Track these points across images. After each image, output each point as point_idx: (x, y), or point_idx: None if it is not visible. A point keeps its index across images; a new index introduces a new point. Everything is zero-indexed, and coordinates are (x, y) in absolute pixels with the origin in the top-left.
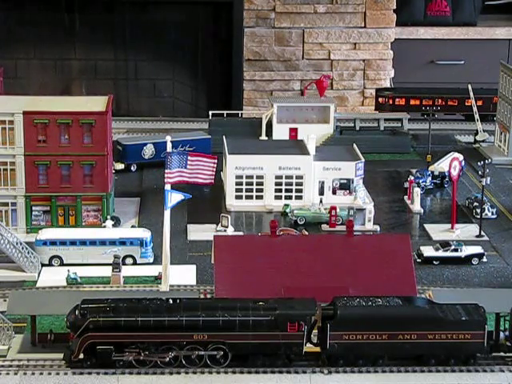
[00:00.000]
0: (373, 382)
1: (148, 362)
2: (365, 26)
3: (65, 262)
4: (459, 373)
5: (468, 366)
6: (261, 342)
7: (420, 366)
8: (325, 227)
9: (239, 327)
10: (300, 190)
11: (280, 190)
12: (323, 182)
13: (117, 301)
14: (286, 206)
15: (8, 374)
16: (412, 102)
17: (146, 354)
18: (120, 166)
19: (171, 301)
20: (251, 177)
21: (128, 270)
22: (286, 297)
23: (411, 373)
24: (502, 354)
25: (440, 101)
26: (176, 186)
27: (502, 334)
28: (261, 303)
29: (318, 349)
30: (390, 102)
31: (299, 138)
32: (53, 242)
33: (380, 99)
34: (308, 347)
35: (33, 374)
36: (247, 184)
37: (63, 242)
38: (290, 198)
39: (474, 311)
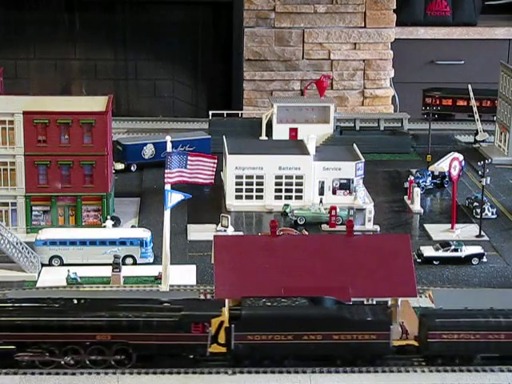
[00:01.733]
0: (373, 381)
1: (51, 362)
2: (365, 26)
3: (65, 261)
4: (459, 373)
5: (374, 366)
6: (165, 343)
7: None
8: (325, 227)
9: (143, 328)
10: (300, 190)
11: (280, 190)
12: (323, 182)
13: (20, 301)
14: (286, 206)
15: (8, 374)
16: (459, 103)
17: (47, 355)
18: (120, 166)
19: (75, 301)
20: (251, 177)
21: (128, 270)
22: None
23: (411, 373)
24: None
25: (489, 102)
26: (176, 186)
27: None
28: (166, 304)
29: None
30: (437, 102)
31: (299, 137)
32: (53, 242)
33: (427, 99)
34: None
35: (33, 374)
36: (247, 184)
37: (63, 242)
38: (290, 198)
39: (381, 312)
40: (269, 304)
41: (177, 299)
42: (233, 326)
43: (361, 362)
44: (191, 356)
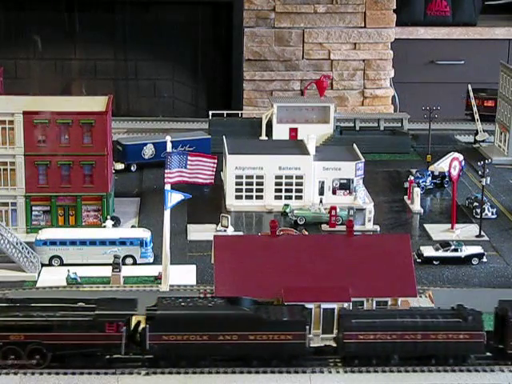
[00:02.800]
0: (372, 381)
1: None
2: (365, 26)
3: (65, 262)
4: (459, 373)
5: (291, 366)
6: (80, 342)
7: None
8: (325, 227)
9: (57, 328)
10: (300, 190)
11: (280, 190)
12: (323, 182)
13: None
14: (286, 206)
15: (8, 374)
16: None
17: None
18: (120, 166)
19: None
20: (251, 177)
21: (128, 270)
22: (281, 297)
23: (411, 373)
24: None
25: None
26: (176, 186)
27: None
28: (80, 303)
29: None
30: (480, 103)
31: (299, 137)
32: (53, 242)
33: (472, 100)
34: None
35: (33, 374)
36: (247, 184)
37: (63, 242)
38: (290, 198)
39: (298, 312)
40: (184, 304)
41: (92, 298)
42: (147, 326)
43: (276, 363)
44: (106, 356)
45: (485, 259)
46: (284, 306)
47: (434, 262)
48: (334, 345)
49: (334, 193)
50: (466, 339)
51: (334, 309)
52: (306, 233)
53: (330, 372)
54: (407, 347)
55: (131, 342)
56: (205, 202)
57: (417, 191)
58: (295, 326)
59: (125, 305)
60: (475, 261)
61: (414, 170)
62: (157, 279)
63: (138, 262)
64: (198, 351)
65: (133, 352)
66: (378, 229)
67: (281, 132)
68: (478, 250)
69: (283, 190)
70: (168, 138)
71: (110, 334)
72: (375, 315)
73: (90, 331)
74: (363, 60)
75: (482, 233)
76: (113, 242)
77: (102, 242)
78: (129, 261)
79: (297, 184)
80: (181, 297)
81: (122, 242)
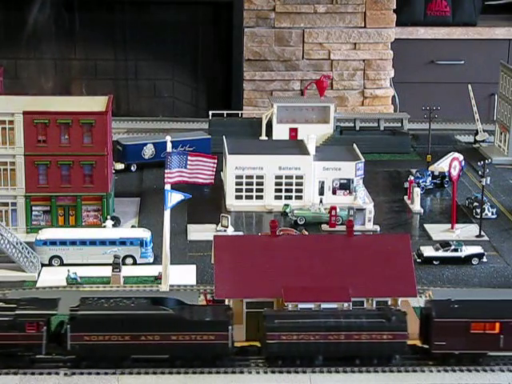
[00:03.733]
0: (373, 381)
1: None
2: (365, 26)
3: (65, 262)
4: (459, 372)
5: (215, 367)
6: (0, 342)
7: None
8: (325, 227)
9: None
10: (300, 190)
11: (280, 190)
12: (323, 182)
13: None
14: (286, 206)
15: (8, 374)
16: None
17: None
18: (120, 166)
19: None
20: (251, 177)
21: (128, 270)
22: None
23: (411, 372)
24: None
25: None
26: (176, 186)
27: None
28: (0, 303)
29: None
30: None
31: (299, 137)
32: (53, 242)
33: None
34: None
35: (32, 374)
36: (247, 184)
37: (63, 242)
38: (290, 198)
39: (222, 312)
40: (106, 305)
41: (13, 299)
42: (68, 326)
43: (200, 363)
44: (28, 356)
45: (485, 259)
46: (209, 306)
47: (434, 262)
48: (258, 345)
49: (334, 193)
50: (390, 339)
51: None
52: (306, 233)
53: (330, 372)
54: (331, 348)
55: (53, 342)
56: (205, 202)
57: (417, 191)
58: (218, 326)
59: (46, 305)
60: (475, 261)
61: (414, 170)
62: (157, 279)
63: (138, 261)
64: (119, 351)
65: (55, 352)
66: (378, 229)
67: (281, 132)
68: (477, 249)
69: (283, 190)
70: (168, 138)
71: (31, 333)
72: (299, 316)
73: (11, 331)
74: (363, 60)
75: (482, 233)
76: (113, 242)
77: (102, 242)
78: (129, 261)
79: (297, 184)
80: (104, 297)
81: (122, 242)
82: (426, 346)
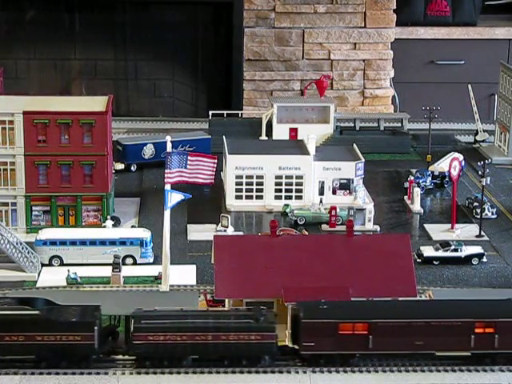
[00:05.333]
0: (373, 381)
1: None
2: (365, 26)
3: (65, 262)
4: (459, 372)
5: (80, 368)
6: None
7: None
8: (325, 227)
9: None
10: (300, 190)
11: (280, 190)
12: (323, 182)
13: None
14: (286, 206)
15: (8, 374)
16: None
17: None
18: (120, 166)
19: None
20: (251, 177)
21: (128, 270)
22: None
23: (411, 372)
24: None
25: None
26: (176, 186)
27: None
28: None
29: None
30: None
31: (299, 137)
32: (53, 242)
33: None
34: None
35: (32, 374)
36: (247, 184)
37: (63, 242)
38: (290, 198)
39: (89, 313)
40: None
41: None
42: None
43: (66, 364)
44: None
45: (485, 259)
46: (76, 306)
47: (434, 262)
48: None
49: (334, 193)
50: (258, 340)
51: None
52: (306, 233)
53: (330, 372)
54: (199, 348)
55: None
56: (205, 202)
57: (417, 191)
58: (84, 327)
59: None
60: (475, 261)
61: (414, 170)
62: (157, 279)
63: (138, 262)
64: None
65: None
66: (378, 229)
67: (281, 132)
68: (477, 249)
69: (283, 190)
70: (168, 138)
71: None
72: (166, 316)
73: None
74: (363, 60)
75: (482, 233)
76: (113, 242)
77: (102, 242)
78: (129, 261)
79: (297, 184)
80: None
81: (122, 242)
82: (297, 347)
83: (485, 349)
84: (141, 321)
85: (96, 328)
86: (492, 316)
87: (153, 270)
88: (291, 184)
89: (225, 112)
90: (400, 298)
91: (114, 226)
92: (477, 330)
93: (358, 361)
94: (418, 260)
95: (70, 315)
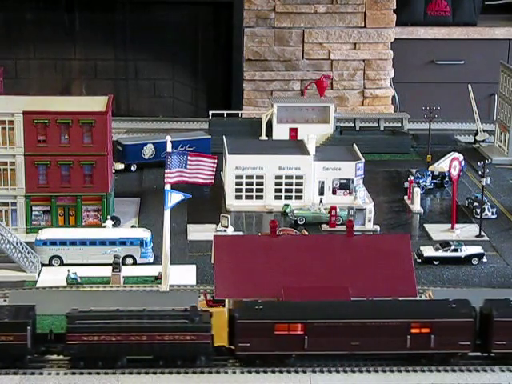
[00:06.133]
0: (373, 381)
1: None
2: (365, 26)
3: (65, 262)
4: (459, 372)
5: (15, 368)
6: None
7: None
8: (325, 227)
9: None
10: (300, 190)
11: (280, 190)
12: (323, 182)
13: None
14: (286, 206)
15: (8, 373)
16: None
17: None
18: (120, 166)
19: None
20: (251, 177)
21: (128, 270)
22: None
23: (411, 372)
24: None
25: None
26: (176, 186)
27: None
28: None
29: None
30: None
31: (299, 137)
32: (53, 242)
33: None
34: None
35: (32, 374)
36: (247, 184)
37: (63, 242)
38: (290, 198)
39: (23, 313)
40: None
41: None
42: None
43: (1, 365)
44: None
45: (485, 259)
46: (13, 307)
47: (434, 262)
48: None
49: (334, 193)
50: (193, 340)
51: None
52: (306, 233)
53: (330, 372)
54: (134, 348)
55: None
56: (205, 202)
57: (417, 191)
58: (16, 327)
59: None
60: (475, 261)
61: (414, 170)
62: (157, 279)
63: (138, 262)
64: None
65: None
66: (378, 229)
67: (281, 132)
68: (477, 249)
69: (283, 190)
70: (168, 138)
71: None
72: (101, 317)
73: None
74: (363, 60)
75: (482, 233)
76: (113, 242)
77: (102, 242)
78: (129, 261)
79: (297, 184)
80: None
81: (122, 242)
82: (233, 347)
83: (421, 349)
84: (75, 321)
85: (29, 328)
86: (428, 316)
87: (153, 270)
88: (291, 184)
89: (225, 112)
90: (336, 299)
91: (114, 225)
92: (413, 331)
93: (294, 361)
94: (418, 260)
95: (3, 315)
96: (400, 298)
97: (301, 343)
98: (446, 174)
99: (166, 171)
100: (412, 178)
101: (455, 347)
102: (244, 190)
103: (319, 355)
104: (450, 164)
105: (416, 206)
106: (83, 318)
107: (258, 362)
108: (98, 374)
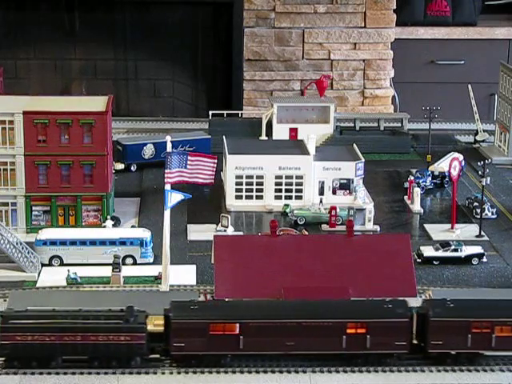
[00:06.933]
0: (373, 381)
1: None
2: (365, 26)
3: (65, 262)
4: (459, 372)
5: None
6: None
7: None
8: (325, 227)
9: None
10: (300, 190)
11: (280, 190)
12: (323, 182)
13: None
14: (286, 206)
15: (8, 373)
16: None
17: None
18: (120, 166)
19: None
20: (251, 177)
21: (128, 270)
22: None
23: (411, 372)
24: None
25: None
26: (176, 186)
27: None
28: None
29: None
30: None
31: (299, 138)
32: (53, 242)
33: None
34: None
35: (32, 374)
36: (247, 184)
37: (63, 242)
38: (290, 198)
39: None
40: None
41: None
42: None
43: None
44: None
45: (485, 259)
46: None
47: (434, 262)
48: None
49: (334, 193)
50: (128, 341)
51: None
52: (306, 233)
53: (330, 372)
54: (68, 349)
55: None
56: (205, 202)
57: (417, 191)
58: None
59: None
60: (475, 261)
61: (414, 170)
62: (157, 279)
63: (138, 262)
64: None
65: None
66: (378, 229)
67: (281, 132)
68: (478, 249)
69: (283, 190)
70: (168, 138)
71: None
72: (35, 316)
73: None
74: (363, 60)
75: (482, 233)
76: (113, 242)
77: (102, 242)
78: (129, 261)
79: (297, 184)
80: None
81: (122, 242)
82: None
83: (357, 349)
84: (8, 321)
85: None
86: (363, 316)
87: (153, 270)
88: (291, 184)
89: (225, 112)
90: (271, 299)
91: (114, 226)
92: (348, 331)
93: (229, 361)
94: (418, 260)
95: None
96: (335, 299)
97: (236, 343)
98: (446, 173)
99: (166, 171)
100: (412, 177)
101: (391, 347)
102: (244, 190)
103: (255, 355)
104: (450, 164)
105: (416, 206)
106: (17, 317)
107: (193, 362)
108: (97, 373)
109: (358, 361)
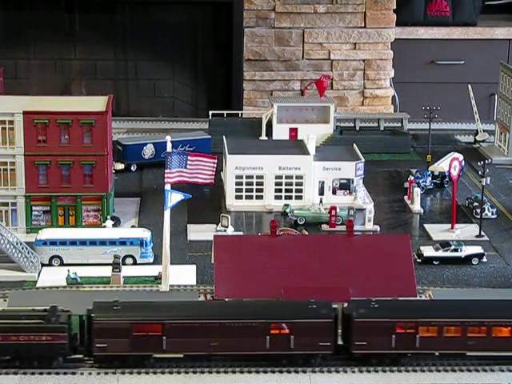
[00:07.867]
0: (373, 381)
1: None
2: (365, 26)
3: (65, 262)
4: (459, 372)
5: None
6: None
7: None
8: (325, 227)
9: None
10: (300, 190)
11: (280, 190)
12: (323, 182)
13: None
14: (286, 206)
15: (8, 373)
16: None
17: None
18: (120, 166)
19: None
20: (251, 177)
21: (128, 270)
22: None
23: (411, 372)
24: None
25: None
26: (176, 186)
27: None
28: None
29: None
30: None
31: (299, 138)
32: (53, 242)
33: None
34: None
35: (32, 374)
36: (247, 184)
37: (63, 242)
38: (290, 198)
39: None
40: None
41: None
42: None
43: None
44: None
45: (485, 259)
46: None
47: (434, 262)
48: None
49: (334, 193)
50: (49, 341)
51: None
52: (306, 233)
53: (330, 372)
54: (10, 349)
55: None
56: (205, 202)
57: (417, 191)
58: None
59: None
60: (475, 261)
61: (414, 170)
62: (157, 279)
63: (138, 262)
64: None
65: None
66: (378, 229)
67: (281, 132)
68: (478, 249)
69: (283, 190)
70: (168, 138)
71: None
72: None
73: None
74: (363, 60)
75: (482, 233)
76: (113, 242)
77: (102, 242)
78: (129, 261)
79: (297, 184)
80: None
81: (122, 242)
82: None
83: (281, 350)
84: None
85: None
86: (287, 317)
87: (153, 270)
88: (291, 184)
89: (225, 112)
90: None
91: (114, 226)
92: (272, 331)
93: (154, 362)
94: (418, 260)
95: None
96: (261, 299)
97: (159, 344)
98: (446, 174)
99: (165, 171)
100: (412, 177)
101: (316, 348)
102: (244, 190)
103: (180, 356)
104: (450, 164)
105: (416, 206)
106: None
107: (116, 363)
108: (98, 374)
109: (282, 361)
